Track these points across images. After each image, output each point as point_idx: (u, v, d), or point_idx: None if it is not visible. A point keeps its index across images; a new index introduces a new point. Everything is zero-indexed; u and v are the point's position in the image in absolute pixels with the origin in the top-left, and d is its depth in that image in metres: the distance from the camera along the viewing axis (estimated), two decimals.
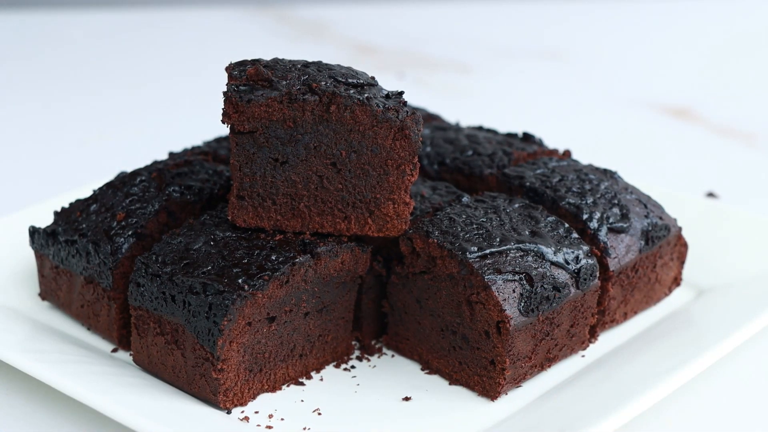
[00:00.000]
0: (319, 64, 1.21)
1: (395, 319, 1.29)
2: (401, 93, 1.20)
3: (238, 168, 1.19)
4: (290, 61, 1.21)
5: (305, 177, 1.19)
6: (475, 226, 1.23)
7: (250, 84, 1.16)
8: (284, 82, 1.16)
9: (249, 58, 1.21)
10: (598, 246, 1.28)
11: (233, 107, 1.16)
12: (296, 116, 1.16)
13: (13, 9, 2.68)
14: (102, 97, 2.22)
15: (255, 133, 1.17)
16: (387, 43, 2.59)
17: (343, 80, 1.17)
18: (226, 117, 1.17)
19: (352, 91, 1.16)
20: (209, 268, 1.16)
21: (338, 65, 1.22)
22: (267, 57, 1.23)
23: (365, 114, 1.15)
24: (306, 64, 1.20)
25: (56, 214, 1.33)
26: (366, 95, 1.16)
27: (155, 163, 1.37)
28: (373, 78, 1.21)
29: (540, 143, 1.48)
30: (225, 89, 1.17)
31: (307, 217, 1.21)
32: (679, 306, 1.40)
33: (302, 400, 1.21)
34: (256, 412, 1.18)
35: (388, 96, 1.19)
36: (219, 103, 1.25)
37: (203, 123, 1.76)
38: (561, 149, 1.50)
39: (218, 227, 1.22)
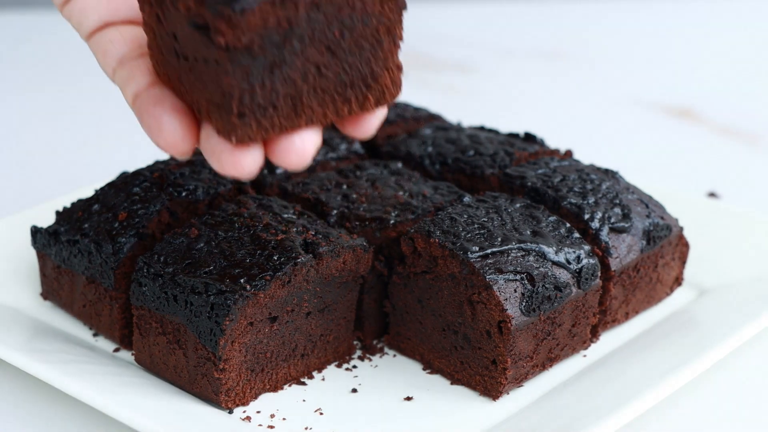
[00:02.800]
0: None
1: (397, 319, 1.29)
2: None
3: (237, 85, 1.16)
4: None
5: (303, 71, 1.18)
6: (476, 225, 1.23)
7: None
8: None
9: None
10: (600, 246, 1.28)
11: (226, 22, 1.12)
12: (290, 16, 1.15)
13: (13, 9, 2.68)
14: (104, 98, 2.21)
15: (251, 46, 1.15)
16: None
17: None
18: (219, 35, 1.12)
19: None
20: (211, 268, 1.16)
21: None
22: None
23: None
24: None
25: (58, 214, 1.33)
26: None
27: (157, 163, 1.38)
28: None
29: (541, 143, 1.48)
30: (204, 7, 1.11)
31: (309, 111, 1.20)
32: (680, 306, 1.40)
33: (304, 400, 1.21)
34: (258, 412, 1.18)
35: None
36: None
37: None
38: (562, 149, 1.50)
39: (220, 227, 1.22)
